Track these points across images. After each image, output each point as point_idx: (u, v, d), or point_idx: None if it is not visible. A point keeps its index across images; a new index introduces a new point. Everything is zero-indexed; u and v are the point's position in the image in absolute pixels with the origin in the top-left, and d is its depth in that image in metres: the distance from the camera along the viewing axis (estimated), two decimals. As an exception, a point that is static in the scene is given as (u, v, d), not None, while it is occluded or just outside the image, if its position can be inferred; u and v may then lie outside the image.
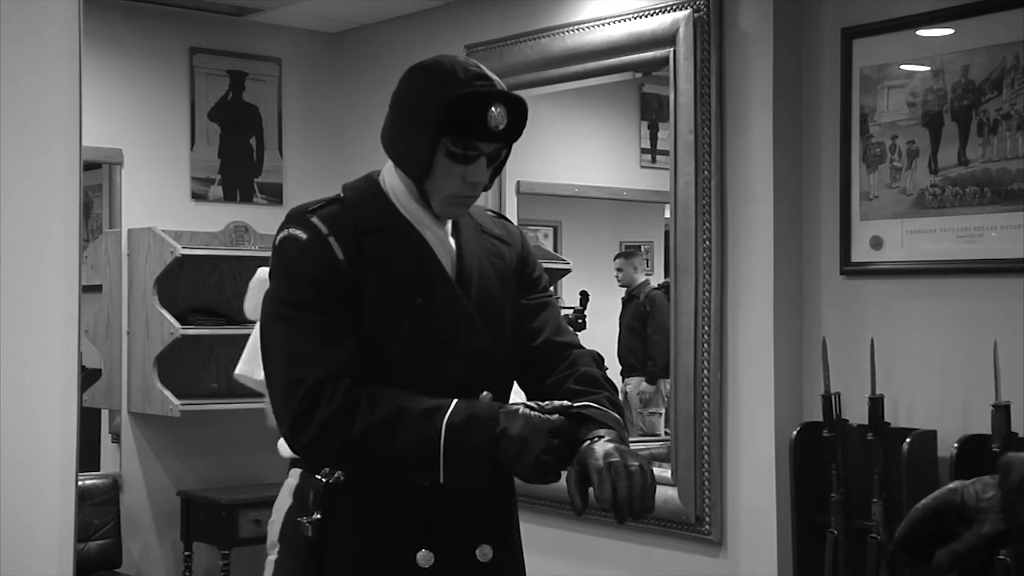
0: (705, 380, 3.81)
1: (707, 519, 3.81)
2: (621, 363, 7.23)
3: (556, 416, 1.95)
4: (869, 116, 3.56)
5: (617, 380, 7.09)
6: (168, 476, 5.14)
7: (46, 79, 2.85)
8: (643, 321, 7.25)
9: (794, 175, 3.73)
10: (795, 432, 3.56)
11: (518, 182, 5.00)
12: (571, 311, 6.45)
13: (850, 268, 3.60)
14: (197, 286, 5.16)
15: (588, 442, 1.94)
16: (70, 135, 2.85)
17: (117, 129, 5.01)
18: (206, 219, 5.16)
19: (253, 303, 2.72)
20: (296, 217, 2.06)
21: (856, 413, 3.49)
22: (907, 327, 3.50)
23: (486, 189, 2.11)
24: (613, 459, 1.87)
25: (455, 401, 1.96)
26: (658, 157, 6.62)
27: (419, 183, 2.05)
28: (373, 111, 4.70)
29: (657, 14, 3.94)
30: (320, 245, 2.02)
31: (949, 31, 3.42)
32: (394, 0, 4.85)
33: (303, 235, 2.03)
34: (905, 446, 3.26)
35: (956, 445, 3.18)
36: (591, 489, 1.89)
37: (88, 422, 4.61)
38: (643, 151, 6.79)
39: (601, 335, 6.83)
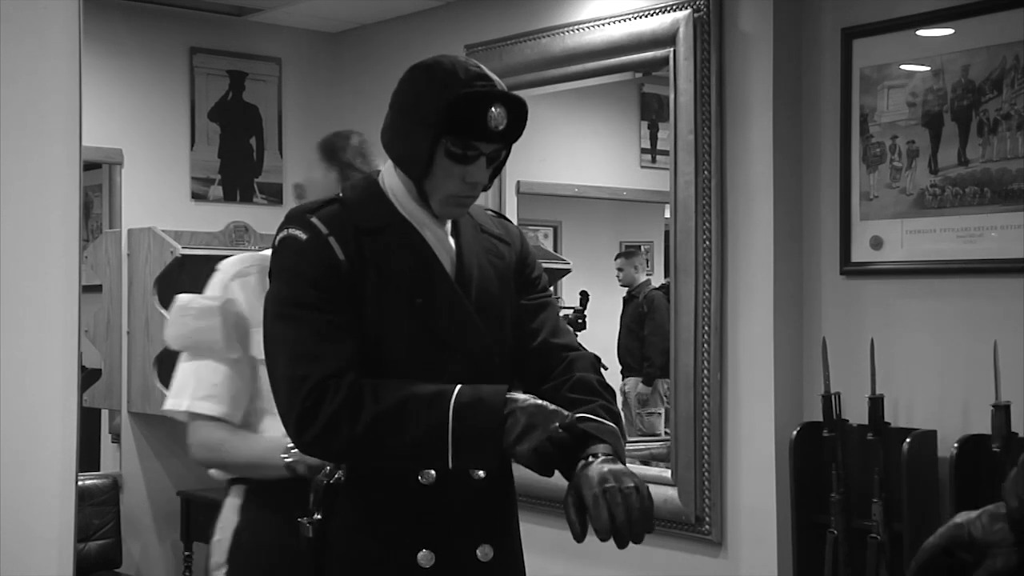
0: (705, 380, 3.81)
1: (707, 519, 3.81)
2: (620, 363, 7.23)
3: (567, 413, 1.95)
4: (869, 116, 3.56)
5: (616, 380, 7.11)
6: (168, 476, 5.14)
7: (46, 79, 2.84)
8: (641, 322, 7.25)
9: (794, 175, 3.73)
10: (795, 432, 3.56)
11: (518, 182, 5.00)
12: (571, 311, 6.45)
13: (850, 268, 3.60)
14: (197, 286, 5.13)
15: (583, 463, 1.93)
16: (70, 135, 2.84)
17: (117, 129, 5.01)
18: (206, 219, 5.16)
19: (174, 331, 2.67)
20: (296, 217, 2.06)
21: (856, 413, 3.49)
22: (907, 327, 3.50)
23: (485, 189, 2.11)
24: (608, 484, 1.86)
25: (459, 386, 1.95)
26: (658, 157, 6.63)
27: (419, 183, 2.05)
28: (373, 111, 4.69)
29: (657, 14, 3.94)
30: (320, 245, 2.02)
31: (949, 31, 3.42)
32: (394, 0, 4.85)
33: (303, 235, 2.03)
34: (905, 446, 3.26)
35: (956, 445, 3.18)
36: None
37: (88, 422, 4.61)
38: (643, 151, 6.79)
39: (601, 335, 6.83)
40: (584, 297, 6.66)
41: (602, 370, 2.25)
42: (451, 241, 2.13)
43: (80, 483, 3.11)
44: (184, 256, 4.81)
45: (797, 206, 3.73)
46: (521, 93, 2.08)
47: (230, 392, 2.59)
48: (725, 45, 3.80)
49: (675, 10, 3.88)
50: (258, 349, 2.50)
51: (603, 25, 4.13)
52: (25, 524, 2.70)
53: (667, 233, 4.06)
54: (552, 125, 5.86)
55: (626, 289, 7.44)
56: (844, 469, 3.47)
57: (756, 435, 3.71)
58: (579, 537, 1.92)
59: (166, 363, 4.97)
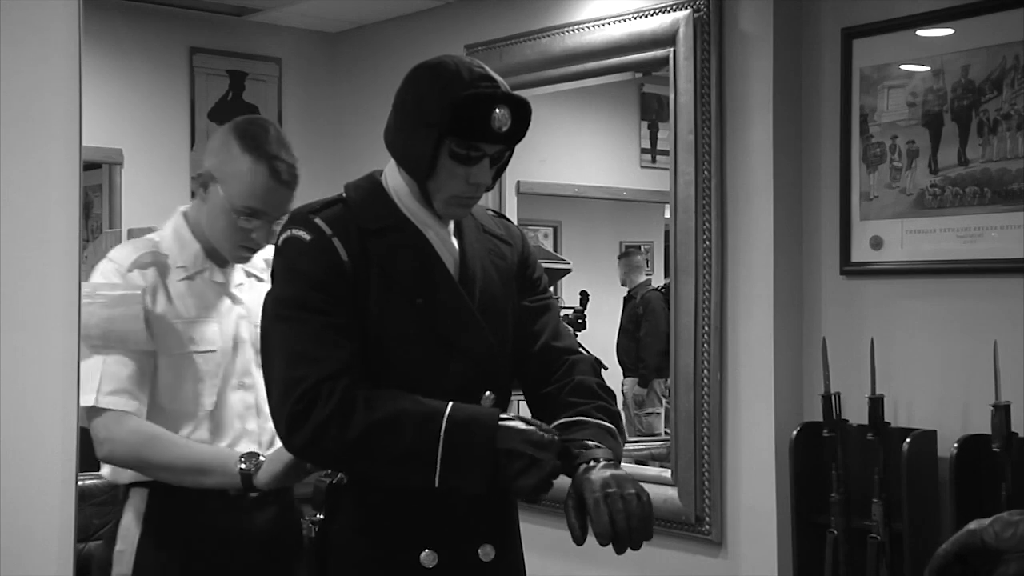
0: (705, 380, 3.81)
1: (707, 519, 3.81)
2: (619, 363, 7.24)
3: (557, 438, 1.96)
4: (869, 116, 3.56)
5: (617, 379, 7.11)
6: (168, 476, 5.13)
7: (46, 79, 2.84)
8: (637, 322, 7.25)
9: (794, 175, 3.73)
10: (795, 432, 3.56)
11: (518, 182, 5.01)
12: (571, 311, 6.46)
13: (850, 268, 3.60)
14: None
15: (584, 466, 1.94)
16: (70, 135, 2.84)
17: (117, 129, 5.01)
18: (206, 219, 5.16)
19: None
20: (299, 218, 2.06)
21: (856, 413, 3.49)
22: (907, 327, 3.50)
23: (488, 190, 2.12)
24: (610, 489, 1.89)
25: (452, 404, 1.96)
26: (658, 157, 6.63)
27: (422, 183, 2.05)
28: (373, 111, 4.69)
29: (657, 14, 3.93)
30: (324, 246, 2.02)
31: (949, 31, 3.42)
32: (394, 0, 4.85)
33: (307, 236, 2.03)
34: (905, 446, 3.26)
35: (956, 445, 3.18)
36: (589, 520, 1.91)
37: (88, 422, 4.60)
38: (643, 151, 6.79)
39: (601, 335, 6.84)
40: (584, 297, 6.66)
41: (603, 371, 2.25)
42: (454, 241, 2.13)
43: (80, 483, 3.11)
44: (184, 256, 4.80)
45: (797, 206, 3.73)
46: (521, 93, 2.08)
47: (141, 388, 2.44)
48: (725, 45, 3.79)
49: (675, 10, 3.88)
50: (159, 345, 2.45)
51: (603, 25, 4.12)
52: (25, 524, 2.70)
53: (667, 233, 4.06)
54: (552, 125, 5.86)
55: (627, 289, 7.45)
56: (844, 469, 3.47)
57: (756, 435, 3.70)
58: (579, 540, 1.93)
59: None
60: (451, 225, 2.13)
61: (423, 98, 2.01)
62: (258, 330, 2.50)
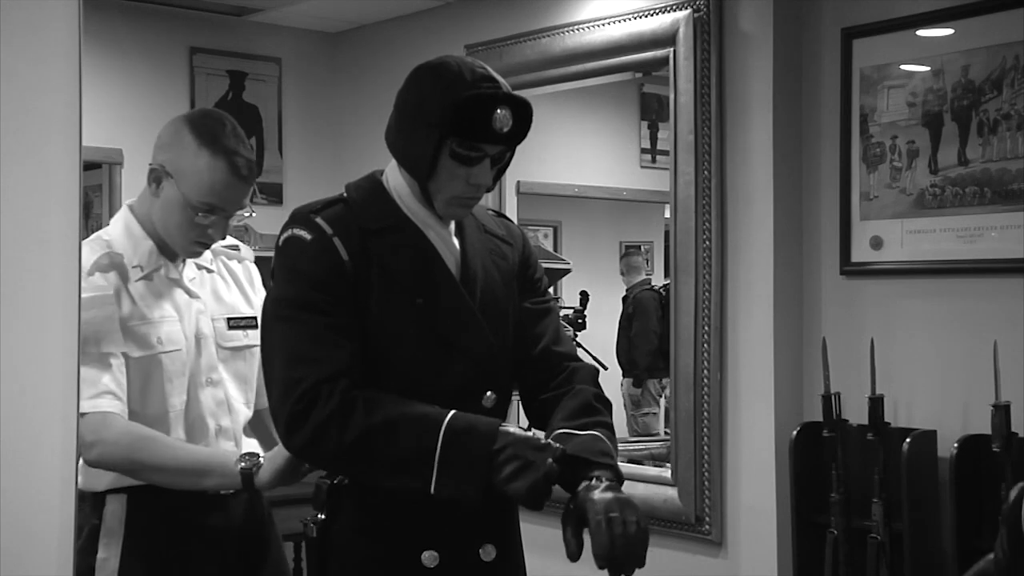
0: (705, 380, 3.81)
1: (707, 519, 3.81)
2: (618, 364, 7.24)
3: (557, 446, 1.96)
4: (869, 116, 3.56)
5: (616, 379, 7.11)
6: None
7: (46, 79, 2.84)
8: (630, 322, 7.26)
9: (794, 175, 3.73)
10: (795, 432, 3.56)
11: (518, 182, 5.00)
12: (571, 311, 6.46)
13: (850, 268, 3.60)
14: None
15: (586, 483, 1.94)
16: (70, 135, 2.84)
17: (117, 129, 5.00)
18: (206, 219, 5.15)
19: None
20: (300, 217, 2.06)
21: (856, 413, 3.49)
22: (907, 327, 3.50)
23: (489, 191, 2.11)
24: (613, 514, 1.89)
25: (452, 411, 1.96)
26: (658, 157, 6.63)
27: (423, 184, 2.05)
28: (373, 111, 4.70)
29: (657, 14, 3.93)
30: (325, 246, 2.02)
31: (949, 31, 3.42)
32: (394, 0, 4.85)
33: (308, 235, 2.03)
34: (905, 446, 3.26)
35: (956, 445, 3.18)
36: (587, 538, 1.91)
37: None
38: (643, 151, 6.79)
39: (601, 335, 6.84)
40: (584, 297, 6.66)
41: (603, 371, 2.26)
42: (455, 241, 2.13)
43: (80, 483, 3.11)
44: (184, 256, 4.80)
45: (797, 206, 3.73)
46: (522, 93, 2.08)
47: (122, 389, 2.37)
48: (725, 45, 3.79)
49: (675, 10, 3.88)
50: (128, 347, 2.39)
51: (603, 25, 4.12)
52: (25, 524, 2.70)
53: (667, 233, 4.06)
54: (552, 125, 5.86)
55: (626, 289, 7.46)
56: (844, 469, 3.47)
57: (756, 435, 3.70)
58: (574, 557, 1.94)
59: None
60: (452, 225, 2.13)
61: (425, 98, 2.01)
62: (216, 324, 2.50)
